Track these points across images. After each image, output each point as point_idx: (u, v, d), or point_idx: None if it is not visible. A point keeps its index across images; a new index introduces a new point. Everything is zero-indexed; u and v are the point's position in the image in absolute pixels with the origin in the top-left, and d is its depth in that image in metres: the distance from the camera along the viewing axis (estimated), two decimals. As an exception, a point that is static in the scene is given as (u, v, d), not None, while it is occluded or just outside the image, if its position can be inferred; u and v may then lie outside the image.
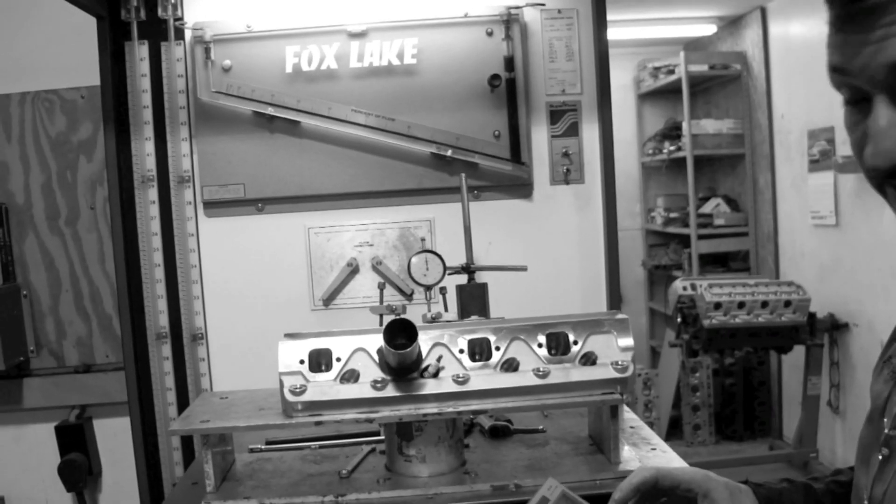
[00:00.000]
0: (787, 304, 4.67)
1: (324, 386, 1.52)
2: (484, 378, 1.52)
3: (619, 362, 1.54)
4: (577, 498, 1.26)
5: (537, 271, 2.04)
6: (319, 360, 1.56)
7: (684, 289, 4.89)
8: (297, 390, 1.52)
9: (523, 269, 1.88)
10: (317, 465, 1.67)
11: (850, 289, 4.84)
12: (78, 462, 2.59)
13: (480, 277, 1.83)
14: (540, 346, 1.55)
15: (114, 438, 2.61)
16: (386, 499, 1.50)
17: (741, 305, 4.63)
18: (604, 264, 2.16)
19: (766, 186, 5.67)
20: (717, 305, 4.60)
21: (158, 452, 2.15)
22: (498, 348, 1.54)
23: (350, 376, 1.53)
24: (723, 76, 6.02)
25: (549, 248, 2.16)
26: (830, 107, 4.86)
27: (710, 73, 5.96)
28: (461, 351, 1.54)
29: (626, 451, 1.61)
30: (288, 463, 1.70)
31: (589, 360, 1.55)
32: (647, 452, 1.66)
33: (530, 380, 1.52)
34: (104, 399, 2.60)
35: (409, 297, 2.10)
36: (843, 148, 4.73)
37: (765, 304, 4.65)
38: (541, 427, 1.81)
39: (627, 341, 1.56)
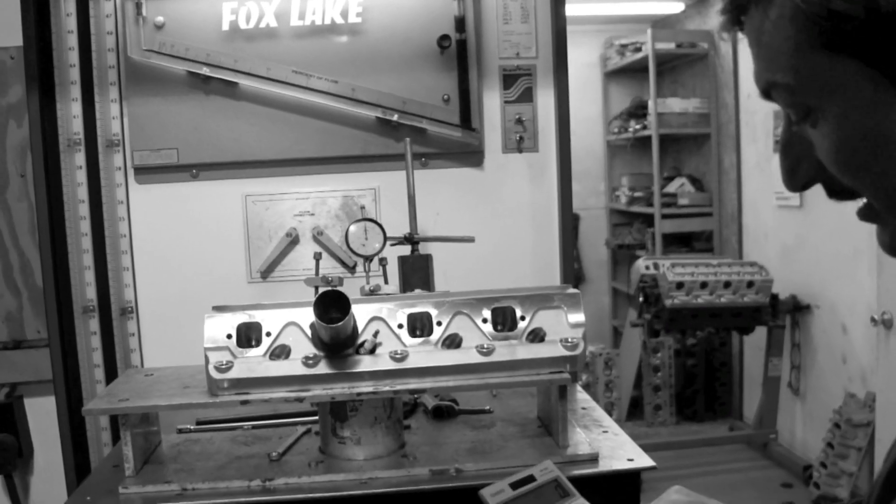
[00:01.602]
0: (750, 284, 4.63)
1: (252, 362, 1.41)
2: (424, 355, 1.42)
3: (569, 339, 1.44)
4: (571, 487, 1.18)
5: (487, 244, 1.94)
6: (248, 335, 1.45)
7: (647, 268, 4.83)
8: (223, 367, 1.41)
9: (470, 240, 1.77)
10: (247, 447, 1.57)
11: (813, 270, 4.81)
12: (7, 443, 2.45)
13: (425, 249, 1.73)
14: (485, 321, 1.45)
15: (46, 418, 2.46)
16: (316, 483, 1.39)
17: (703, 285, 4.58)
18: (558, 238, 2.06)
19: (731, 166, 5.62)
20: (680, 285, 4.54)
21: (86, 433, 2.03)
22: (440, 323, 1.44)
23: (280, 352, 1.42)
24: (690, 55, 5.96)
25: (501, 220, 2.06)
26: (796, 86, 4.82)
27: (677, 51, 5.89)
28: (400, 326, 1.44)
29: (577, 434, 1.52)
30: (217, 444, 1.59)
31: (537, 336, 1.45)
32: (598, 435, 1.57)
33: (473, 357, 1.42)
34: (35, 377, 2.46)
35: (351, 269, 1.99)
36: (808, 127, 4.68)
37: (727, 285, 4.61)
38: (488, 407, 1.71)
39: (578, 317, 1.47)
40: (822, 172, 0.78)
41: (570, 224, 2.02)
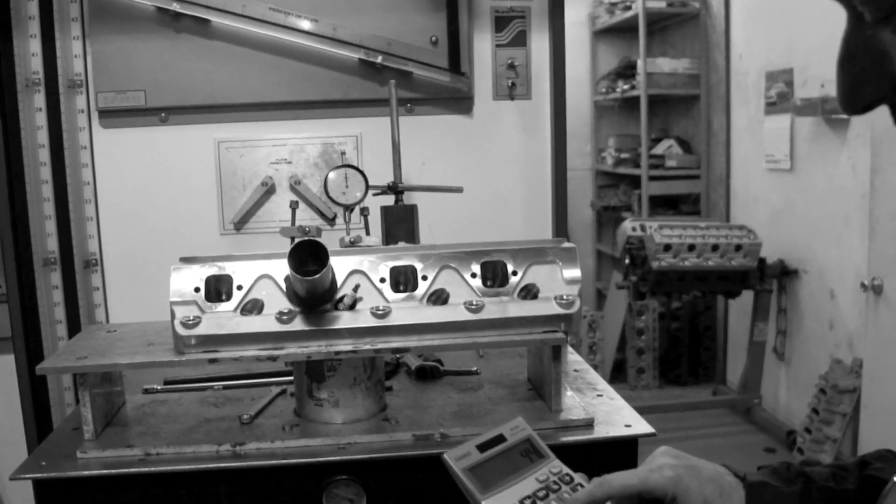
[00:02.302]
0: (738, 248, 4.55)
1: (221, 318, 1.31)
2: (408, 311, 1.31)
3: (564, 297, 1.34)
4: (544, 447, 1.07)
5: (476, 196, 1.83)
6: (218, 289, 1.34)
7: (633, 230, 4.74)
8: (190, 322, 1.30)
9: (458, 190, 1.66)
10: (217, 409, 1.46)
11: (802, 235, 4.74)
12: (-33, 403, 2.34)
13: (410, 200, 1.61)
14: (474, 276, 1.34)
15: (5, 377, 2.35)
16: (291, 448, 1.29)
17: (691, 248, 4.49)
18: (550, 190, 1.95)
19: (721, 129, 5.52)
20: (667, 247, 4.45)
21: (48, 393, 1.91)
22: (425, 278, 1.33)
23: (252, 307, 1.31)
24: (681, 14, 5.82)
25: (491, 171, 1.94)
26: (790, 48, 4.70)
27: (667, 10, 5.75)
28: (382, 280, 1.33)
29: (569, 398, 1.42)
30: (185, 406, 1.49)
31: (529, 293, 1.35)
32: (592, 399, 1.48)
33: (461, 314, 1.31)
34: (-7, 333, 2.34)
35: (330, 221, 1.87)
36: (802, 90, 4.58)
37: (715, 248, 4.52)
38: (474, 369, 1.61)
39: (574, 273, 1.36)
40: (892, 92, 0.66)
41: (564, 176, 1.91)
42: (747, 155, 5.30)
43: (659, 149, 5.83)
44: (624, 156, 6.12)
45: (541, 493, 1.02)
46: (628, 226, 4.81)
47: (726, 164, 5.49)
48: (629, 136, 6.22)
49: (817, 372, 4.50)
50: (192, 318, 1.30)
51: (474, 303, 1.31)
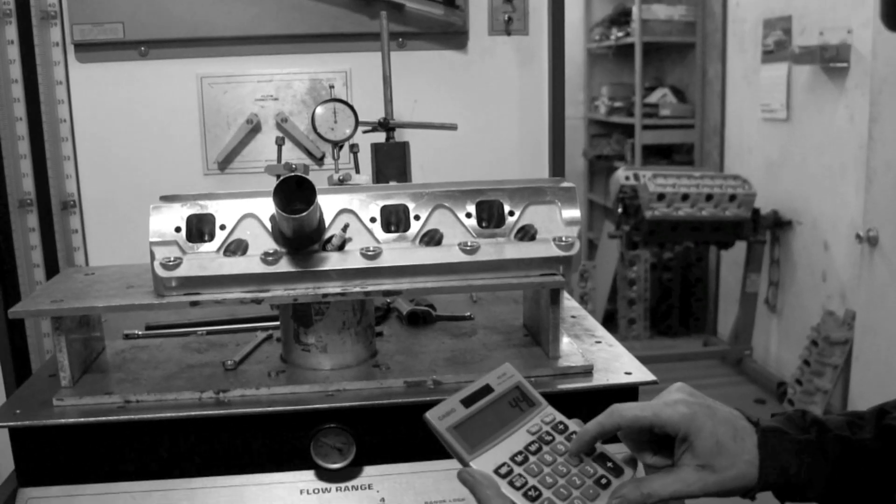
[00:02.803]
0: (733, 198, 4.50)
1: (203, 259, 1.24)
2: (399, 252, 1.25)
3: (564, 238, 1.27)
4: (535, 394, 1.01)
5: (470, 135, 1.75)
6: (200, 228, 1.27)
7: (627, 179, 4.68)
8: (171, 264, 1.23)
9: (453, 127, 1.58)
10: (200, 355, 1.40)
11: (797, 186, 4.68)
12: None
13: (401, 137, 1.54)
14: (469, 216, 1.28)
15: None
16: (276, 395, 1.23)
17: (685, 198, 4.44)
18: (547, 130, 1.87)
19: (716, 77, 5.44)
20: (661, 197, 4.40)
21: (26, 339, 1.85)
22: (417, 217, 1.27)
23: (236, 248, 1.25)
24: (677, -42, 5.70)
25: (485, 109, 1.86)
26: (789, -8, 4.61)
27: (663, -46, 5.63)
28: (373, 220, 1.26)
29: (567, 344, 1.37)
30: (167, 352, 1.42)
31: (527, 234, 1.28)
32: (590, 346, 1.42)
33: (456, 256, 1.25)
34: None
35: (318, 161, 1.79)
36: (801, 38, 4.50)
37: (709, 198, 4.48)
38: (468, 314, 1.56)
39: (573, 213, 1.30)
40: None
41: (561, 115, 1.83)
42: (743, 104, 5.23)
43: (653, 97, 5.75)
44: (617, 104, 6.03)
45: (533, 447, 0.96)
46: (621, 174, 4.75)
47: (721, 114, 5.41)
48: (623, 85, 6.13)
49: (809, 324, 4.48)
50: (172, 259, 1.23)
51: (469, 244, 1.25)
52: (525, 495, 0.90)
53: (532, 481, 0.91)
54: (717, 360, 5.22)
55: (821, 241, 4.50)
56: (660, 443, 0.97)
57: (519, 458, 0.93)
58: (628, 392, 1.27)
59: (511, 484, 0.90)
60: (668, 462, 0.96)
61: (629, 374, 1.29)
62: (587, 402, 1.24)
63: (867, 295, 3.89)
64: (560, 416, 1.00)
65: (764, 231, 4.73)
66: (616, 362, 1.34)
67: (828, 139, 4.39)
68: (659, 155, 5.85)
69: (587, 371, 1.29)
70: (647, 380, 1.26)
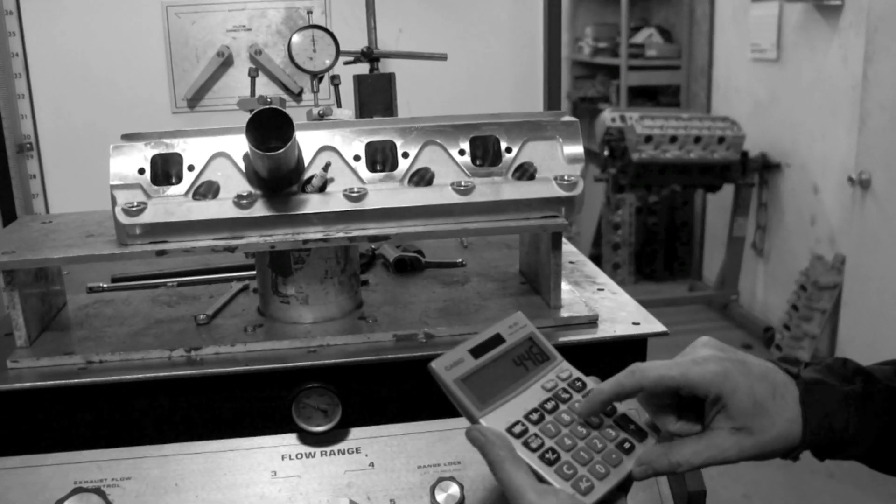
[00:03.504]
0: (721, 140, 4.41)
1: (170, 203, 1.12)
2: (387, 194, 1.13)
3: (566, 177, 1.17)
4: (549, 347, 0.91)
5: (459, 67, 1.63)
6: (166, 170, 1.15)
7: (613, 121, 4.56)
8: (134, 209, 1.11)
9: (442, 57, 1.46)
10: (170, 309, 1.29)
11: (786, 128, 4.59)
12: None
13: (386, 68, 1.41)
14: (462, 153, 1.16)
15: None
16: (254, 353, 1.12)
17: (673, 140, 4.34)
18: (542, 59, 1.74)
19: (704, 17, 5.30)
20: (648, 139, 4.29)
21: (-18, 292, 1.72)
22: (406, 155, 1.15)
23: (206, 190, 1.13)
24: None
25: (476, 39, 1.74)
26: (782, -76, 4.46)
27: None
28: (357, 158, 1.14)
29: (568, 293, 1.27)
30: (134, 306, 1.31)
31: (526, 172, 1.17)
32: (593, 294, 1.32)
33: (448, 197, 1.14)
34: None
35: (297, 97, 1.66)
36: (792, -27, 4.36)
37: (698, 140, 4.37)
38: (460, 260, 1.45)
39: (576, 150, 1.19)
40: None
41: (557, 44, 1.70)
42: (731, 45, 5.10)
43: (639, 38, 5.62)
44: (602, 45, 5.89)
45: (549, 405, 0.86)
46: (608, 116, 4.63)
47: (709, 55, 5.29)
48: (607, 25, 5.98)
49: (796, 268, 4.42)
50: (135, 203, 1.11)
51: (463, 184, 1.14)
52: (542, 458, 0.80)
53: (549, 443, 0.82)
54: (703, 304, 5.17)
55: (810, 184, 4.42)
56: (685, 407, 0.88)
57: (534, 417, 0.84)
58: (637, 344, 1.17)
59: (526, 445, 0.81)
60: (696, 429, 0.87)
61: (637, 324, 1.19)
62: (592, 355, 1.15)
63: (858, 239, 3.82)
64: (577, 373, 0.91)
65: (752, 174, 4.64)
66: (622, 311, 1.24)
67: (819, 80, 4.28)
68: (644, 97, 5.73)
69: (592, 321, 1.19)
70: (656, 331, 1.17)
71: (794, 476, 3.41)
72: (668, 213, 5.54)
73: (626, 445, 0.84)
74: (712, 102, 5.29)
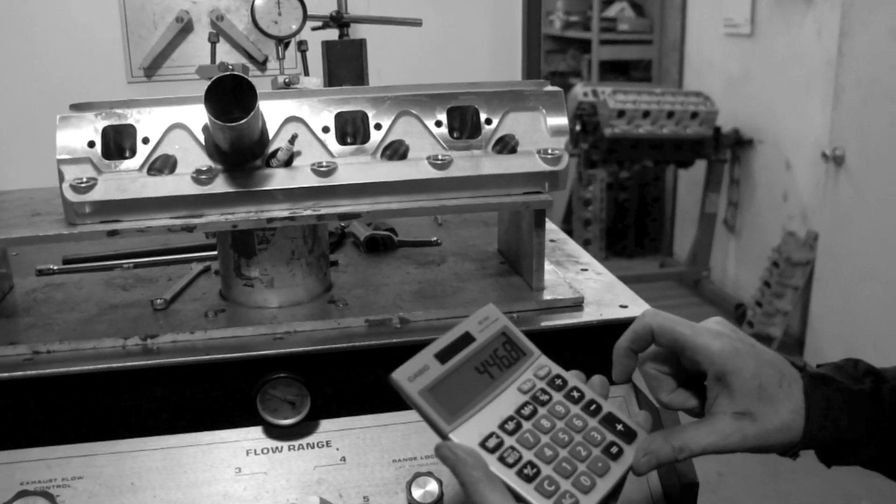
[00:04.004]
0: (694, 115, 4.36)
1: (123, 179, 1.03)
2: (358, 168, 1.05)
3: (550, 150, 1.09)
4: (525, 341, 0.83)
5: (434, 33, 1.54)
6: (119, 143, 1.06)
7: (585, 95, 4.50)
8: (83, 186, 1.02)
9: (416, 23, 1.37)
10: (125, 293, 1.20)
11: (759, 104, 4.55)
12: None
13: (357, 34, 1.33)
14: (438, 124, 1.08)
15: None
16: (215, 341, 1.04)
17: (646, 115, 4.28)
18: (520, 27, 1.66)
19: (676, -10, 5.24)
20: (621, 113, 4.23)
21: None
22: (379, 127, 1.07)
23: (163, 165, 1.04)
24: None
25: (451, 3, 1.65)
26: None
27: None
28: (325, 129, 1.06)
29: (551, 273, 1.20)
30: (86, 290, 1.22)
31: (507, 146, 1.10)
32: (576, 274, 1.25)
33: (424, 171, 1.06)
34: None
35: (261, 66, 1.57)
36: (766, -55, 4.31)
37: (671, 115, 4.32)
38: (435, 239, 1.37)
39: (560, 121, 1.12)
40: None
41: (537, 10, 1.62)
42: (704, 19, 5.05)
43: (611, 11, 5.55)
44: (573, 19, 5.82)
45: (526, 410, 0.78)
46: (579, 91, 4.56)
47: (681, 29, 5.23)
48: (579, -1, 5.91)
49: (768, 245, 4.40)
50: (85, 180, 1.02)
51: (440, 157, 1.06)
52: (520, 474, 0.72)
53: (527, 455, 0.74)
54: (674, 281, 5.15)
55: (783, 160, 4.39)
56: (683, 381, 0.83)
57: (510, 426, 0.76)
58: (625, 328, 1.10)
59: (502, 460, 0.73)
60: (690, 403, 0.83)
61: (625, 307, 1.12)
62: (578, 340, 1.08)
63: (831, 215, 3.80)
64: (556, 368, 0.83)
65: (725, 150, 4.60)
66: (608, 293, 1.17)
67: (793, 55, 4.24)
68: (616, 71, 5.67)
69: (577, 304, 1.12)
70: (646, 313, 1.10)
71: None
72: (640, 189, 5.50)
73: (614, 450, 0.77)
74: (684, 77, 5.25)
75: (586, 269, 1.27)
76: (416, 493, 0.98)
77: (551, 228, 1.48)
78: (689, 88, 5.01)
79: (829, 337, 3.70)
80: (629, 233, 5.54)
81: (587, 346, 1.09)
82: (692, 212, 5.12)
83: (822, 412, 0.77)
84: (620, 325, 1.09)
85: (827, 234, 3.84)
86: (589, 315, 1.10)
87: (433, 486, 0.98)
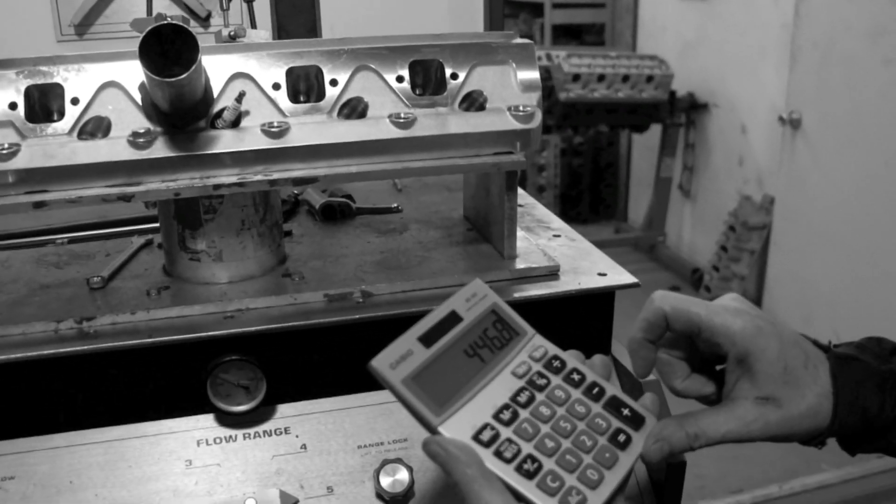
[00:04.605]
0: (650, 79, 4.31)
1: (51, 144, 0.92)
2: (312, 128, 0.96)
3: (521, 107, 1.01)
4: (517, 319, 0.75)
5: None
6: (45, 104, 0.95)
7: (539, 59, 4.40)
8: (5, 152, 0.91)
9: (372, -28, 1.28)
10: (59, 271, 1.09)
11: (714, 68, 4.51)
12: None
13: (307, -15, 1.23)
14: (400, 80, 0.99)
15: None
16: (159, 321, 0.95)
17: (601, 78, 4.21)
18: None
19: (629, -49, 5.17)
20: (576, 77, 4.16)
21: None
22: (335, 83, 0.97)
23: (95, 128, 0.94)
24: None
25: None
26: None
27: None
28: (276, 87, 0.96)
29: (523, 240, 1.12)
30: (15, 269, 1.11)
31: (475, 102, 1.01)
32: (548, 241, 1.17)
33: (385, 131, 0.97)
34: None
35: (204, 21, 1.46)
36: None
37: (626, 79, 4.27)
38: (395, 205, 1.29)
39: (531, 75, 1.03)
40: None
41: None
42: (656, -20, 4.99)
43: (563, -26, 5.45)
44: (525, -18, 5.71)
45: (522, 397, 0.70)
46: (534, 55, 4.48)
47: (634, -9, 5.17)
48: (530, -39, 5.80)
49: (724, 209, 4.38)
50: (6, 146, 0.91)
51: (402, 116, 0.97)
52: (520, 470, 0.64)
53: (527, 448, 0.66)
54: (630, 246, 5.12)
55: (738, 124, 4.37)
56: (698, 365, 0.77)
57: (506, 416, 0.68)
58: (604, 298, 1.03)
59: (499, 455, 0.65)
60: (706, 390, 0.76)
61: (603, 275, 1.04)
62: (555, 312, 1.01)
63: (787, 179, 3.78)
64: (553, 348, 0.75)
65: (679, 114, 4.56)
66: (584, 261, 1.09)
67: (748, 18, 4.20)
68: (568, 35, 5.60)
69: (553, 273, 1.04)
70: (626, 282, 1.03)
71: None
72: (594, 154, 5.45)
73: (621, 438, 0.69)
74: (638, 41, 5.19)
75: (559, 236, 1.19)
76: (385, 481, 0.90)
77: (519, 192, 1.40)
78: (643, 52, 4.95)
79: (786, 300, 3.70)
80: (584, 199, 5.50)
81: (565, 318, 1.01)
82: (647, 177, 5.09)
83: (852, 396, 0.70)
84: (600, 295, 1.02)
85: (783, 197, 3.83)
86: (566, 284, 1.02)
87: (403, 474, 0.90)
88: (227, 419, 0.93)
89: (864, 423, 0.71)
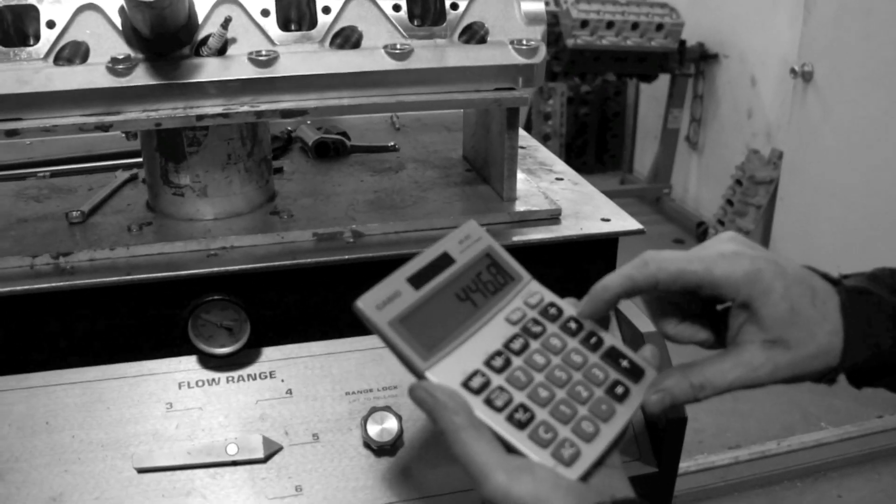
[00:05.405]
0: (660, 27, 4.20)
1: (25, 70, 0.87)
2: (303, 58, 0.90)
3: (524, 41, 0.95)
4: (513, 263, 0.71)
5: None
6: (19, 28, 0.90)
7: (546, 4, 4.30)
8: (-22, 76, 0.86)
9: None
10: (38, 205, 1.05)
11: (724, 17, 4.40)
12: None
13: None
14: (397, 8, 0.93)
15: None
16: (139, 258, 0.90)
17: (610, 25, 4.11)
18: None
19: None
20: (584, 24, 4.05)
21: None
22: (327, 10, 0.92)
23: (72, 53, 0.88)
24: None
25: None
26: None
27: None
28: (265, 13, 0.91)
29: (524, 182, 1.07)
30: (-6, 200, 1.07)
31: (475, 34, 0.95)
32: (550, 184, 1.12)
33: (380, 62, 0.91)
34: None
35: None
36: None
37: (635, 26, 4.16)
38: (392, 144, 1.23)
39: (536, 6, 0.98)
40: None
41: None
42: (669, -75, 4.85)
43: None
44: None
45: (516, 344, 0.65)
46: None
47: (646, -64, 5.03)
48: None
49: (731, 162, 4.31)
50: (-21, 70, 0.86)
51: (398, 46, 0.92)
52: (511, 420, 0.61)
53: (519, 397, 0.62)
54: (635, 198, 5.06)
55: (748, 76, 4.27)
56: (694, 312, 0.71)
57: (497, 363, 0.64)
58: (607, 244, 0.99)
59: (489, 403, 0.61)
60: (700, 336, 0.71)
61: (607, 220, 1.00)
62: (555, 257, 0.96)
63: (797, 133, 3.70)
64: (550, 295, 0.70)
65: (689, 64, 4.46)
66: (587, 205, 1.04)
67: (762, -36, 4.08)
68: (577, -19, 5.46)
69: (554, 216, 0.99)
70: (631, 228, 0.98)
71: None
72: (601, 103, 5.36)
73: (619, 391, 0.65)
74: (648, -12, 5.07)
75: (561, 179, 1.14)
76: (373, 430, 0.87)
77: (521, 134, 1.34)
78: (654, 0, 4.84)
79: (791, 256, 3.65)
80: (589, 148, 5.42)
81: (566, 264, 0.97)
82: (654, 128, 5.00)
83: (863, 331, 0.66)
84: (603, 241, 0.98)
85: (792, 152, 3.75)
86: (567, 229, 0.97)
87: (392, 423, 0.87)
88: (209, 361, 0.90)
89: (876, 358, 0.67)
